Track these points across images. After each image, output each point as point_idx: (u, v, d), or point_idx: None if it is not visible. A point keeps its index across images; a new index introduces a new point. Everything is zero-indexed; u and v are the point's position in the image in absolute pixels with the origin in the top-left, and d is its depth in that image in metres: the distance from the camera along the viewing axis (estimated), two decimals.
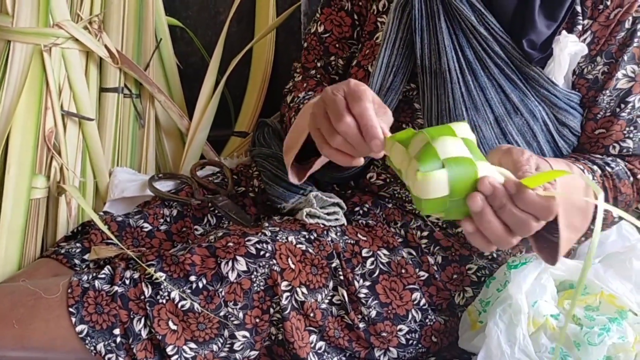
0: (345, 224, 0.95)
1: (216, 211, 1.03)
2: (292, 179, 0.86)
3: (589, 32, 0.87)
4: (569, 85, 0.90)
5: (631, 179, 0.90)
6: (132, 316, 0.81)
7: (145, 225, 1.00)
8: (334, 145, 0.71)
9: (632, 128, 0.90)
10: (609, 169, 0.88)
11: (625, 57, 0.87)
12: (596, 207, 0.74)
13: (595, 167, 0.87)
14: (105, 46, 1.11)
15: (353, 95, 0.69)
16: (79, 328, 0.80)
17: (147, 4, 1.18)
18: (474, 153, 0.63)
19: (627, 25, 0.86)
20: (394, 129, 0.97)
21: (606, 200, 0.84)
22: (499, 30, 0.85)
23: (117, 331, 0.81)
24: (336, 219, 0.95)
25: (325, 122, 0.71)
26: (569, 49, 0.84)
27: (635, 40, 0.86)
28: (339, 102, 0.70)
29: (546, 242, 0.73)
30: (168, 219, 1.02)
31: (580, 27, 0.86)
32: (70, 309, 0.81)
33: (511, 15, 0.85)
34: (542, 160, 0.71)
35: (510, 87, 0.86)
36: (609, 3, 0.86)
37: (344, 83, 0.71)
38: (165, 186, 1.10)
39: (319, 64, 1.06)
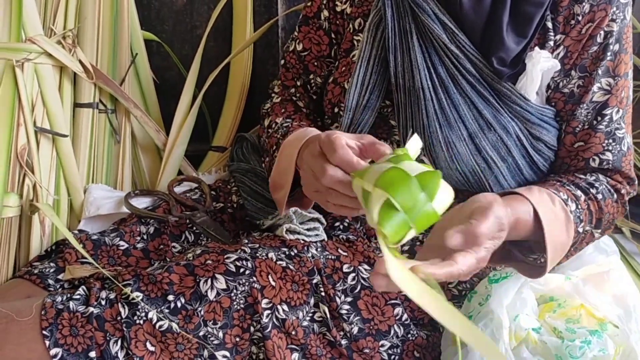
0: (326, 239, 0.94)
1: (194, 228, 1.01)
2: (283, 212, 0.89)
3: (561, 47, 0.88)
4: (543, 100, 0.91)
5: (614, 195, 0.91)
6: (108, 338, 0.79)
7: (122, 243, 0.98)
8: (334, 202, 0.74)
9: (610, 140, 0.91)
10: (593, 191, 0.88)
11: (600, 71, 0.88)
12: (574, 234, 0.83)
13: (579, 193, 0.87)
14: (80, 61, 1.09)
15: (327, 148, 0.73)
16: (53, 351, 0.78)
17: (122, 18, 1.16)
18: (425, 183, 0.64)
19: (599, 39, 0.87)
20: None
21: (590, 222, 0.87)
22: (470, 48, 0.86)
23: (93, 354, 0.79)
24: (316, 235, 0.94)
25: (318, 184, 0.74)
26: (542, 65, 0.85)
27: (608, 54, 0.88)
28: (318, 159, 0.73)
29: (529, 268, 0.80)
30: (145, 237, 1.00)
31: (552, 42, 0.88)
32: (44, 332, 0.78)
33: (480, 33, 0.86)
34: (504, 231, 0.72)
35: (482, 104, 0.87)
36: (580, 18, 0.87)
37: (317, 139, 0.75)
38: (141, 203, 1.08)
39: (298, 83, 1.06)
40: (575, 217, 0.84)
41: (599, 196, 0.89)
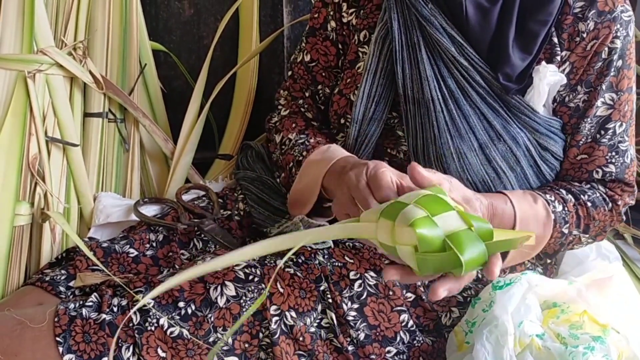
0: (332, 246, 0.95)
1: (202, 235, 1.03)
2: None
3: (567, 63, 0.90)
4: (550, 112, 0.93)
5: (610, 205, 0.94)
6: (120, 344, 0.81)
7: (131, 250, 0.99)
8: None
9: (613, 153, 0.93)
10: (584, 197, 0.92)
11: (604, 86, 0.90)
12: (556, 234, 0.89)
13: (568, 197, 0.91)
14: (90, 72, 1.11)
15: (373, 184, 0.73)
16: (66, 357, 0.79)
17: (131, 29, 1.18)
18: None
19: (604, 55, 0.89)
20: (379, 152, 0.99)
21: (578, 226, 0.92)
22: (478, 61, 0.88)
23: None
24: (323, 242, 0.95)
25: (353, 208, 0.75)
26: (548, 79, 0.87)
27: (612, 69, 0.90)
28: (363, 191, 0.73)
29: None
30: (154, 244, 1.01)
31: (558, 58, 0.90)
32: (58, 338, 0.80)
33: (487, 48, 0.88)
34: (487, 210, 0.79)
35: (492, 115, 0.89)
36: (585, 35, 0.89)
37: (364, 167, 0.75)
38: (150, 211, 1.10)
39: (306, 94, 1.07)
40: (559, 218, 0.89)
41: (589, 203, 0.92)
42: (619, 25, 0.88)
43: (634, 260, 1.29)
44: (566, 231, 0.91)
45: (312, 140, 0.98)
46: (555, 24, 0.88)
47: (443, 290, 0.64)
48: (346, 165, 0.84)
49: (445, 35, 0.88)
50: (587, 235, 0.94)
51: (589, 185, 0.94)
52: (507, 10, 0.86)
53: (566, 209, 0.90)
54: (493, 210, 0.83)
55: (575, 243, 0.95)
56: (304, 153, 0.96)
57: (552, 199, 0.90)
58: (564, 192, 0.92)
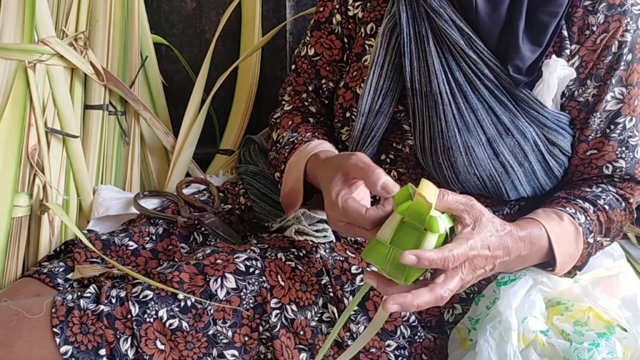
0: (334, 240, 0.95)
1: (203, 229, 1.02)
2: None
3: (577, 56, 0.89)
4: (558, 107, 0.92)
5: (623, 204, 0.93)
6: (118, 336, 0.80)
7: (131, 243, 0.98)
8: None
9: (624, 148, 0.92)
10: (601, 202, 0.91)
11: (613, 80, 0.89)
12: (584, 246, 0.88)
13: (587, 205, 0.90)
14: (91, 63, 1.11)
15: (359, 222, 0.74)
16: (63, 349, 0.78)
17: (132, 21, 1.18)
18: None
19: (614, 49, 0.88)
20: (385, 146, 0.98)
21: (600, 232, 0.91)
22: (487, 54, 0.87)
23: (103, 352, 0.79)
24: (325, 236, 0.94)
25: (362, 232, 0.76)
26: (558, 73, 0.85)
27: (622, 63, 0.89)
28: (354, 229, 0.76)
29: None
30: (154, 237, 1.00)
31: (568, 52, 0.89)
32: (55, 329, 0.79)
33: (496, 40, 0.87)
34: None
35: (500, 109, 0.88)
36: (595, 28, 0.88)
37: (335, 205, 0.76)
38: (150, 204, 1.09)
39: (310, 88, 1.06)
40: (584, 229, 0.88)
41: (607, 206, 0.91)
42: (629, 19, 0.87)
43: (637, 260, 1.27)
44: (592, 241, 0.89)
45: (300, 138, 0.97)
46: (565, 17, 0.87)
47: (393, 305, 0.69)
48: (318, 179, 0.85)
49: (454, 27, 0.87)
50: (607, 239, 0.93)
51: (600, 189, 0.93)
52: (517, 1, 0.85)
53: (588, 218, 0.89)
54: (530, 239, 0.82)
55: (597, 249, 0.94)
56: (289, 154, 0.96)
57: (573, 211, 0.88)
58: (580, 201, 0.91)
